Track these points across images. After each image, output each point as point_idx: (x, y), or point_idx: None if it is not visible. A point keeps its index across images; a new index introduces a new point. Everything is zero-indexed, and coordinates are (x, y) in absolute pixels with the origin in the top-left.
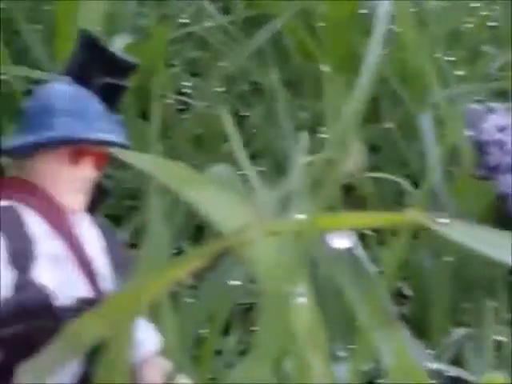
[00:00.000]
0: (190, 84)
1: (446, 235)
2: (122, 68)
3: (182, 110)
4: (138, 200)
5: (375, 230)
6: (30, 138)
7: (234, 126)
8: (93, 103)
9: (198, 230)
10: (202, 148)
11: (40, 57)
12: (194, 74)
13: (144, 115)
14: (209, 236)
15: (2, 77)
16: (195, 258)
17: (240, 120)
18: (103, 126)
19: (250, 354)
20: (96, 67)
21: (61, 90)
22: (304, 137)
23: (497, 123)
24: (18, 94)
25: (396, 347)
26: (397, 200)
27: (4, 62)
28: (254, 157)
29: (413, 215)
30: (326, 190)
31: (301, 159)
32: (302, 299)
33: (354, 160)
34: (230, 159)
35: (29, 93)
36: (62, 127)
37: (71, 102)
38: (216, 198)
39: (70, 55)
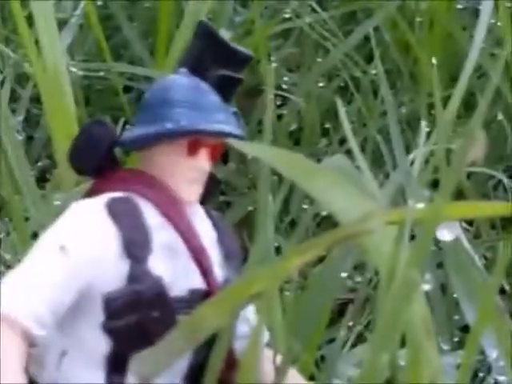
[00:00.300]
0: (288, 79)
1: None
2: (237, 60)
3: (280, 106)
4: (229, 196)
5: (471, 224)
6: (149, 130)
7: (333, 121)
8: (210, 95)
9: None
10: (300, 143)
11: (140, 53)
12: (290, 70)
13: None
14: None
15: (100, 73)
16: (314, 248)
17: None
18: (220, 118)
19: (365, 345)
20: (213, 59)
21: (179, 82)
22: (423, 126)
23: None
24: (118, 90)
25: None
26: (490, 195)
27: (104, 59)
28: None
29: None
30: (449, 179)
31: (419, 150)
32: (427, 286)
33: (477, 149)
34: (328, 154)
35: (127, 89)
36: (181, 118)
37: (189, 93)
38: (335, 187)
39: (187, 47)
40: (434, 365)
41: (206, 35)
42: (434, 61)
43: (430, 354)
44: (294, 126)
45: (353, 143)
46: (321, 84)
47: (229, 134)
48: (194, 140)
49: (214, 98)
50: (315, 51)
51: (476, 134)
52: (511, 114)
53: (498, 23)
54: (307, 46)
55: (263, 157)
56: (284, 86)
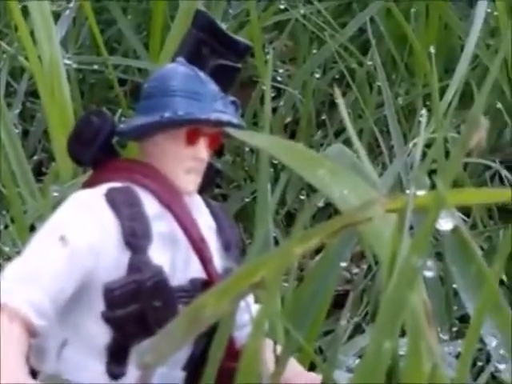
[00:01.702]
0: (283, 71)
1: None
2: (235, 50)
3: (275, 98)
4: (225, 188)
5: (467, 215)
6: (147, 119)
7: (329, 113)
8: (208, 84)
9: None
10: (296, 135)
11: (135, 46)
12: (285, 62)
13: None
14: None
15: (95, 66)
16: (316, 236)
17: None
18: (219, 107)
19: (365, 335)
20: (211, 48)
21: (177, 71)
22: (423, 114)
23: None
24: (113, 82)
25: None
26: (487, 186)
27: (98, 52)
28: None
29: None
30: (451, 166)
31: (420, 138)
32: (430, 273)
33: (478, 137)
34: (324, 146)
35: (121, 82)
36: (179, 108)
37: (188, 82)
38: (335, 176)
39: (185, 36)
40: (434, 353)
41: (204, 25)
42: (432, 50)
43: (431, 342)
44: (289, 119)
45: (351, 131)
46: (316, 76)
47: (227, 123)
48: (192, 129)
49: (212, 86)
50: (310, 43)
51: (478, 121)
52: (507, 104)
53: (495, 13)
54: (302, 38)
55: (263, 146)
56: (279, 78)
